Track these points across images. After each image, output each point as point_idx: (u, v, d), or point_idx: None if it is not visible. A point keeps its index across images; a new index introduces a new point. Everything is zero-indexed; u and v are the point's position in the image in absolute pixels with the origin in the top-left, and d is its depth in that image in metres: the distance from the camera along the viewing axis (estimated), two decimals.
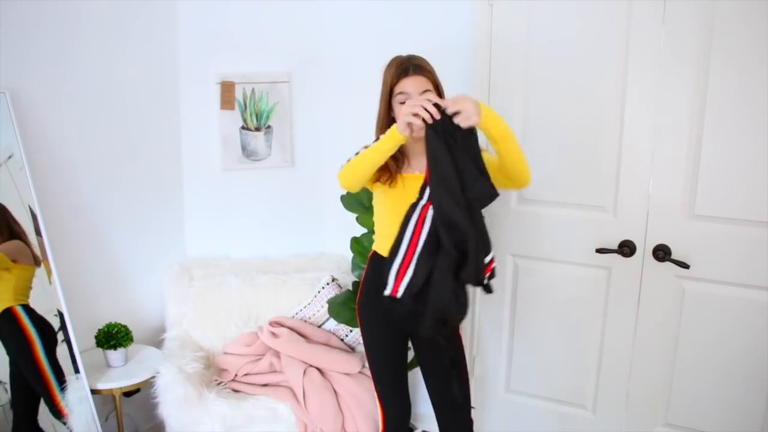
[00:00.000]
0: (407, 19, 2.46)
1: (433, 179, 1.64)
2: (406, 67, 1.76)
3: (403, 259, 1.71)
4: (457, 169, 1.61)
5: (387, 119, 1.81)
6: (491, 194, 1.65)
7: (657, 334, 2.18)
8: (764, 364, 2.03)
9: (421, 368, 2.00)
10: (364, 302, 1.97)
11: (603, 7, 2.08)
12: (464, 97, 1.62)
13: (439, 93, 1.79)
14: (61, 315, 2.14)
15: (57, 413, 2.11)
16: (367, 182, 1.83)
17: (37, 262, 2.12)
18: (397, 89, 1.76)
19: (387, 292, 1.71)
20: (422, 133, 1.63)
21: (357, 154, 1.80)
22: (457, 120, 1.59)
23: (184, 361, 2.29)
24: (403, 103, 1.73)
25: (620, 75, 2.08)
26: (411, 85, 1.74)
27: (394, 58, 1.81)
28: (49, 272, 2.13)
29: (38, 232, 2.11)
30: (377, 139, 1.77)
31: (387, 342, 1.96)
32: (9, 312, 2.05)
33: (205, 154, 2.68)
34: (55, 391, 2.10)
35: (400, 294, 1.70)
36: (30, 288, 2.12)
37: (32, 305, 2.10)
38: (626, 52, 2.06)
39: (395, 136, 1.68)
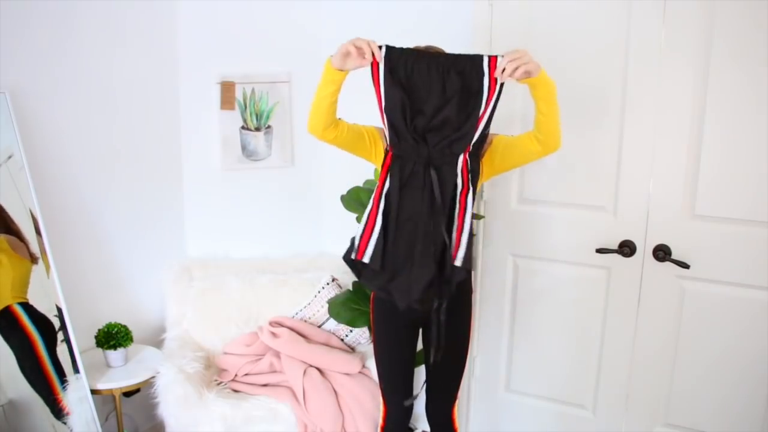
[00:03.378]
0: (407, 18, 2.46)
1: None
2: None
3: (367, 219, 1.65)
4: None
5: None
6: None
7: (657, 334, 2.18)
8: (764, 364, 2.03)
9: (425, 358, 1.95)
10: (382, 297, 1.82)
11: (603, 7, 2.08)
12: (522, 50, 1.53)
13: None
14: (61, 315, 2.14)
15: (58, 413, 2.10)
16: (328, 127, 1.70)
17: (33, 259, 2.12)
18: None
19: (352, 255, 1.65)
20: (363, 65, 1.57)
21: None
22: (511, 70, 1.51)
23: (184, 361, 2.29)
24: None
25: (620, 75, 2.08)
26: None
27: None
28: (48, 272, 2.12)
29: (38, 232, 2.11)
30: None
31: (398, 340, 1.91)
32: (8, 311, 2.05)
33: (205, 154, 2.68)
34: (58, 389, 2.10)
35: (366, 259, 1.63)
36: (28, 284, 2.11)
37: (32, 304, 2.11)
38: (626, 51, 2.06)
39: (329, 70, 1.61)
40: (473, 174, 1.63)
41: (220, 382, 2.34)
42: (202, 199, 2.73)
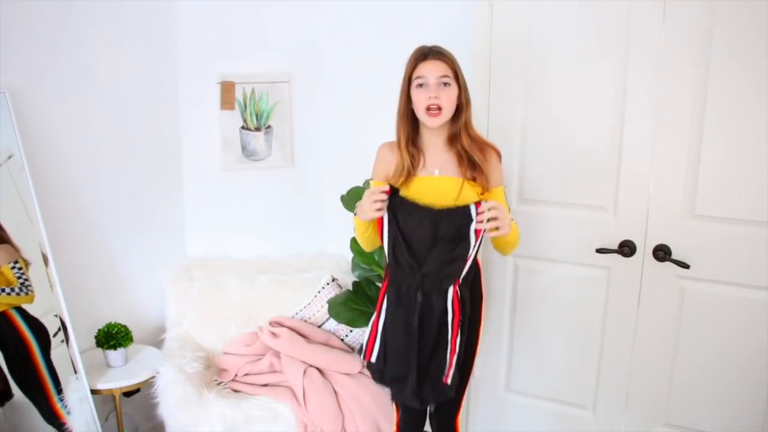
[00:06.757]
0: (407, 19, 2.46)
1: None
2: (425, 52, 1.73)
3: (372, 325, 1.83)
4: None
5: (407, 111, 1.78)
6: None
7: (657, 334, 2.18)
8: (764, 364, 2.03)
9: None
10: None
11: (603, 7, 2.08)
12: (500, 207, 1.65)
13: (459, 81, 1.75)
14: (61, 315, 2.13)
15: (54, 419, 2.08)
16: (375, 243, 1.87)
17: (26, 264, 2.09)
18: (415, 74, 1.73)
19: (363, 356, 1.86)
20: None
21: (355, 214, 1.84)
22: (485, 225, 1.64)
23: (184, 361, 2.29)
24: (420, 86, 1.71)
25: (620, 75, 2.08)
26: (428, 68, 1.71)
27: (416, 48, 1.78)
28: (48, 272, 2.12)
29: (38, 233, 2.11)
30: (399, 133, 1.79)
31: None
32: (4, 316, 2.03)
33: (205, 154, 2.68)
34: (53, 395, 2.09)
35: (372, 359, 1.82)
36: None
37: (28, 306, 2.09)
38: (626, 52, 2.06)
39: (359, 222, 1.80)
40: (463, 303, 1.74)
41: (220, 382, 2.34)
42: (202, 199, 2.73)
